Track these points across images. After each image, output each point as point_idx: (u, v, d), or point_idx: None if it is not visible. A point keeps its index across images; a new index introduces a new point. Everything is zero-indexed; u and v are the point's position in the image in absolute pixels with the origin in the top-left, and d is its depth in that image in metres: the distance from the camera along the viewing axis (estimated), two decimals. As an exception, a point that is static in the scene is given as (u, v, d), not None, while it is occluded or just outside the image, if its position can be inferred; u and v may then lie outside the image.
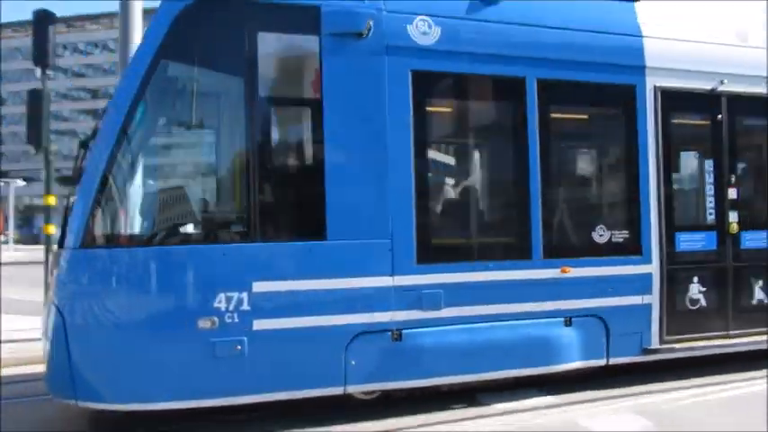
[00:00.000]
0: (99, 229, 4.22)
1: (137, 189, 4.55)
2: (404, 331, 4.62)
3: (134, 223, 4.55)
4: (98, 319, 4.20)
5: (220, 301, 4.19)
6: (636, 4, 5.69)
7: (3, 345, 7.02)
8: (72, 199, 4.45)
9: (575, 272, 5.08)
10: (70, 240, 4.20)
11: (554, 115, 5.20)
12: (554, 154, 5.19)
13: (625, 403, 5.01)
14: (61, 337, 4.15)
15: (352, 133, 4.53)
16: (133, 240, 4.34)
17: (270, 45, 4.41)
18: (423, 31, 4.78)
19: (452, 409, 4.92)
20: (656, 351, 5.42)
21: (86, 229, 4.16)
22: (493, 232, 5.26)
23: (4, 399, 5.38)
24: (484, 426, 4.58)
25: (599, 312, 5.18)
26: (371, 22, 4.58)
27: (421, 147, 4.73)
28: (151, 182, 4.76)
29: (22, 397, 5.56)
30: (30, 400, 5.44)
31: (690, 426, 4.48)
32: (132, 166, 4.43)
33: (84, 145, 4.56)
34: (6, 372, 6.30)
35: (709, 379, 5.50)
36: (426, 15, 4.79)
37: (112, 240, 4.28)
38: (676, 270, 5.49)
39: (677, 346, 5.47)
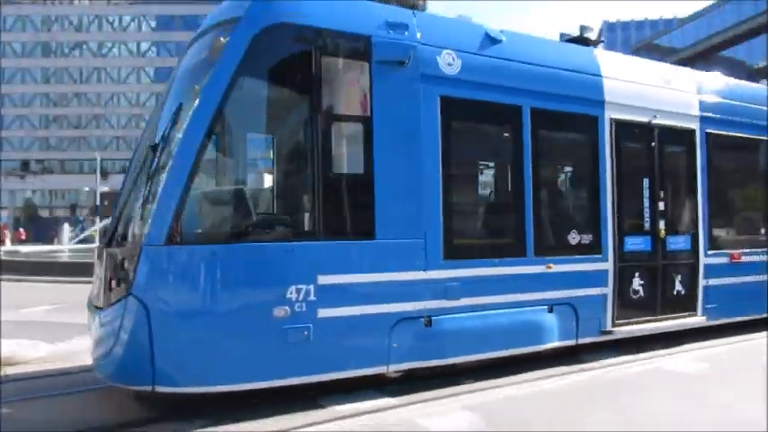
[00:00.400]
0: (183, 228, 4.56)
1: (217, 192, 5.06)
2: (433, 318, 5.47)
3: (215, 223, 5.00)
4: (183, 310, 4.59)
5: (291, 293, 4.80)
6: (594, 49, 7.25)
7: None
8: (135, 199, 5.00)
9: (555, 268, 6.28)
10: (154, 238, 4.52)
11: (542, 139, 6.33)
12: (541, 170, 6.37)
13: (464, 401, 5.05)
14: (144, 327, 4.46)
15: (395, 149, 5.31)
16: (215, 239, 4.76)
17: (329, 67, 5.09)
18: (448, 62, 5.73)
19: (292, 412, 4.83)
20: (609, 332, 6.74)
21: (172, 227, 4.51)
22: (498, 234, 6.32)
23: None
24: (323, 429, 4.46)
25: (571, 301, 6.41)
26: (411, 53, 5.41)
27: (446, 162, 5.62)
28: (230, 186, 5.16)
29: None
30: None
31: (516, 419, 4.66)
32: (213, 172, 4.99)
33: (154, 149, 4.90)
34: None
35: (554, 370, 6.08)
36: (451, 49, 5.73)
37: (196, 238, 4.67)
38: (624, 267, 6.86)
39: (624, 329, 6.85)
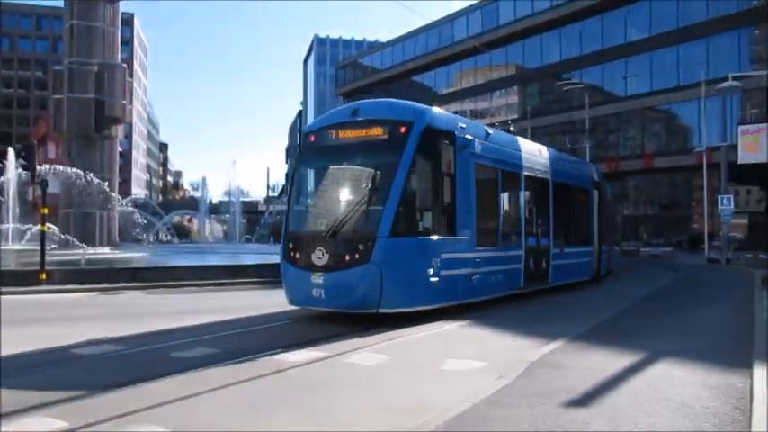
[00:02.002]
0: (395, 229, 9.80)
1: (408, 212, 10.20)
2: (473, 276, 11.55)
3: (407, 227, 10.15)
4: (396, 267, 9.87)
5: (434, 262, 10.37)
6: (517, 137, 15.10)
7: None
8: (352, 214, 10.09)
9: (508, 253, 13.18)
10: (383, 233, 9.73)
11: (505, 185, 13.38)
12: (524, 203, 14.19)
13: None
14: (377, 278, 9.66)
15: (461, 189, 11.20)
16: (408, 233, 10.08)
17: (442, 146, 10.89)
18: (477, 145, 11.88)
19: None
20: (523, 288, 13.64)
21: (392, 227, 9.77)
22: (494, 234, 12.80)
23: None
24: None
25: (512, 270, 13.31)
26: (467, 141, 11.50)
27: (478, 197, 11.81)
28: (412, 210, 10.34)
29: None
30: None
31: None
32: (405, 198, 10.05)
33: (368, 188, 10.09)
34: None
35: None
36: (477, 139, 12.02)
37: (404, 232, 9.98)
38: (527, 253, 13.86)
39: (530, 289, 13.99)
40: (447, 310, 10.64)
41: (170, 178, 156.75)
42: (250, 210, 66.91)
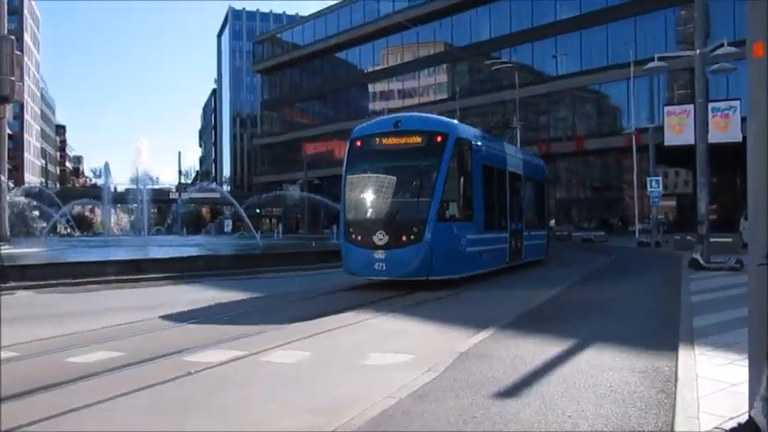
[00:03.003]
0: (441, 215, 13.89)
1: (445, 201, 14.21)
2: (482, 252, 15.97)
3: (447, 213, 14.28)
4: (441, 245, 13.80)
5: (464, 239, 14.76)
6: (503, 141, 22.15)
7: None
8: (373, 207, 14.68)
9: (498, 234, 17.40)
10: (432, 218, 13.75)
11: (499, 181, 17.87)
12: (508, 194, 18.43)
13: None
14: (428, 252, 13.60)
15: (475, 185, 15.44)
16: (447, 219, 14.26)
17: (468, 152, 15.00)
18: (484, 150, 16.27)
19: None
20: (508, 263, 18.03)
21: (437, 215, 13.81)
22: (497, 219, 17.35)
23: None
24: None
25: (501, 248, 17.65)
26: (479, 147, 15.80)
27: (483, 190, 15.98)
28: (448, 199, 14.26)
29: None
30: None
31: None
32: (444, 192, 14.02)
33: (415, 185, 14.53)
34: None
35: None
36: (485, 146, 16.54)
37: (444, 219, 14.09)
38: (512, 234, 18.46)
39: (512, 264, 18.38)
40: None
41: (69, 164, 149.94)
42: (160, 198, 64.96)
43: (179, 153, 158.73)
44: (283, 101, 78.18)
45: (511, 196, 18.61)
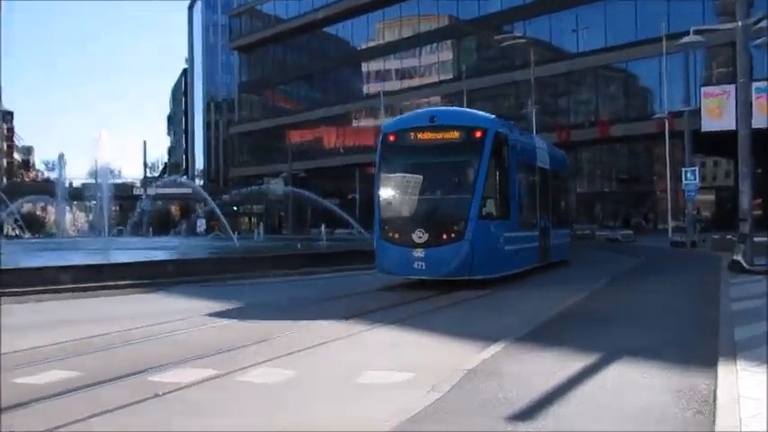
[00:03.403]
0: (481, 213, 15.23)
1: (486, 198, 15.54)
2: (518, 250, 17.35)
3: (487, 211, 15.57)
4: (482, 243, 15.19)
5: (502, 238, 16.18)
6: (532, 135, 25.95)
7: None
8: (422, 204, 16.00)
9: (530, 233, 18.88)
10: (474, 215, 15.07)
11: (531, 175, 19.59)
12: (542, 191, 20.32)
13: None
14: (469, 251, 14.99)
15: (512, 181, 16.86)
16: (488, 217, 15.55)
17: (505, 146, 16.41)
18: (518, 144, 17.63)
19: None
20: (537, 263, 19.15)
21: (479, 212, 15.18)
22: (529, 218, 18.98)
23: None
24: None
25: (534, 246, 19.09)
26: (515, 143, 17.32)
27: (519, 188, 17.68)
28: (488, 196, 15.65)
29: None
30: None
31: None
32: (485, 189, 15.43)
33: (454, 182, 15.91)
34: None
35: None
36: (519, 140, 18.20)
37: (484, 217, 15.38)
38: (541, 233, 19.72)
39: (541, 264, 19.55)
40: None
41: (17, 156, 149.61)
42: (123, 194, 64.89)
43: (144, 142, 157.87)
44: (264, 82, 78.15)
45: (540, 193, 20.15)
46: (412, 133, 16.29)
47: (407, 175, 16.45)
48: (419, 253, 15.04)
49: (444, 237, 15.12)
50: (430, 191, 16.03)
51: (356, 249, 23.73)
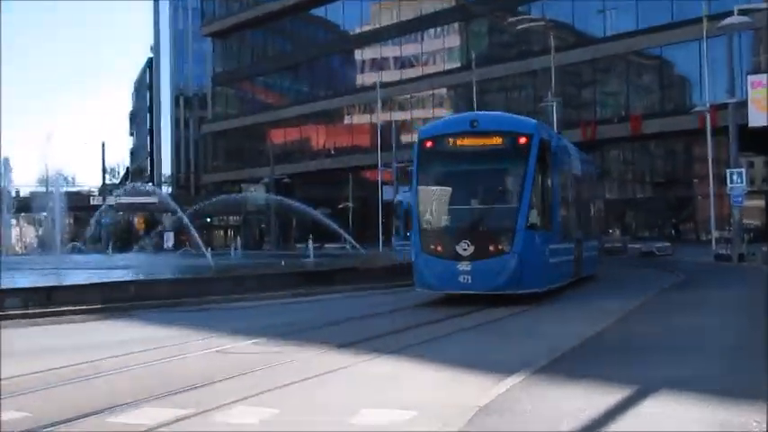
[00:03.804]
0: (528, 224, 16.50)
1: (533, 207, 16.93)
2: (562, 262, 19.61)
3: (534, 221, 16.88)
4: (530, 255, 16.55)
5: (548, 250, 17.59)
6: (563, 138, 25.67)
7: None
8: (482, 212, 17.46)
9: (571, 245, 20.99)
10: (521, 226, 16.42)
11: (573, 187, 22.09)
12: (577, 200, 22.78)
13: None
14: (518, 264, 16.32)
15: (555, 190, 18.43)
16: (535, 228, 16.85)
17: (549, 151, 17.91)
18: (558, 151, 19.29)
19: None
20: (572, 278, 20.86)
21: (526, 221, 16.48)
22: (567, 229, 20.60)
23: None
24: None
25: (570, 260, 20.87)
26: (556, 148, 19.01)
27: (561, 197, 19.47)
28: (535, 205, 17.05)
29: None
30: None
31: None
32: (532, 198, 16.83)
33: (499, 191, 17.56)
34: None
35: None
36: (557, 145, 19.60)
37: (531, 227, 16.70)
38: (575, 245, 21.58)
39: (575, 279, 21.46)
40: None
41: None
42: (78, 204, 64.93)
43: (102, 144, 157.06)
44: (242, 74, 78.38)
45: (575, 202, 22.04)
46: (451, 139, 17.53)
47: (449, 183, 17.80)
48: (465, 266, 16.25)
49: (491, 249, 16.49)
50: (473, 200, 17.44)
51: (348, 267, 23.70)
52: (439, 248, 16.80)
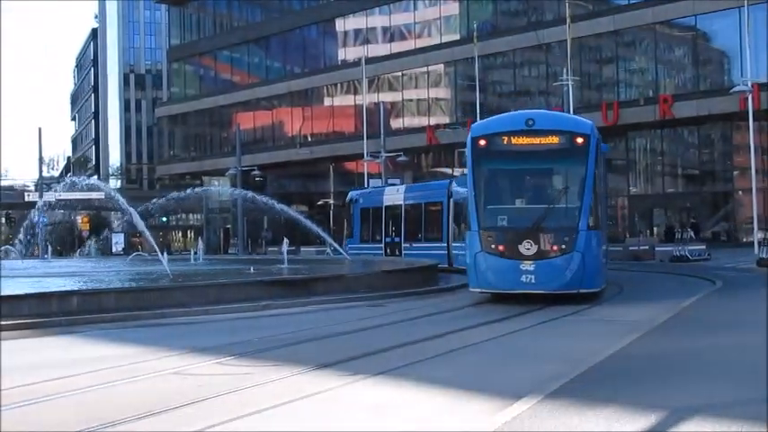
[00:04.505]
0: (588, 224, 19.56)
1: (592, 207, 19.85)
2: (605, 264, 23.05)
3: (593, 221, 19.92)
4: (591, 255, 19.75)
5: (602, 249, 21.39)
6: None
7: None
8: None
9: (606, 247, 24.41)
10: (584, 226, 19.48)
11: (604, 185, 24.75)
12: (604, 198, 24.70)
13: None
14: (581, 263, 19.38)
15: (604, 189, 24.44)
16: (594, 227, 19.99)
17: (601, 152, 21.27)
18: (602, 149, 22.11)
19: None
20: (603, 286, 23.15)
21: (587, 222, 19.56)
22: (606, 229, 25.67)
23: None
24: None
25: (604, 263, 22.67)
26: (602, 146, 22.07)
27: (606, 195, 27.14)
28: (594, 205, 20.03)
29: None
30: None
31: None
32: (592, 198, 19.79)
33: (561, 190, 20.44)
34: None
35: None
36: (600, 142, 21.80)
37: (591, 227, 19.84)
38: (590, 231, 20.46)
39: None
40: None
41: None
42: (11, 201, 64.78)
43: (39, 130, 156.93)
44: (203, 47, 78.24)
45: (604, 200, 24.77)
46: (506, 137, 20.05)
47: (505, 182, 20.96)
48: (528, 266, 18.99)
49: (554, 248, 19.30)
50: (534, 200, 20.47)
51: (328, 275, 23.70)
52: (500, 248, 19.35)
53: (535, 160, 20.13)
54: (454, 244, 31.97)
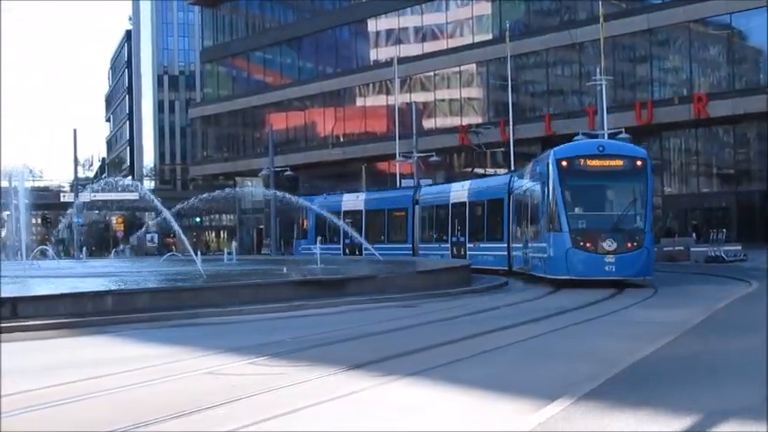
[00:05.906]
0: (645, 227, 26.40)
1: (640, 213, 26.88)
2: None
3: (651, 225, 27.76)
4: (651, 251, 27.92)
5: (654, 247, 31.05)
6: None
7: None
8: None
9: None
10: (648, 228, 26.69)
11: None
12: None
13: None
14: (648, 256, 26.69)
15: (652, 198, 30.48)
16: (651, 230, 27.63)
17: (652, 171, 28.79)
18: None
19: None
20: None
21: (650, 226, 27.21)
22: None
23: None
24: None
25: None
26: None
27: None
28: (650, 213, 28.31)
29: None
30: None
31: None
32: (651, 207, 27.81)
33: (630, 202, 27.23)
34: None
35: None
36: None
37: (651, 230, 27.47)
38: (651, 233, 28.49)
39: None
40: None
41: None
42: (46, 202, 65.30)
43: (74, 132, 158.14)
44: (235, 49, 78.52)
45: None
46: (582, 160, 26.90)
47: (588, 195, 26.93)
48: (610, 258, 25.23)
49: (629, 245, 25.47)
50: (609, 208, 27.14)
51: (361, 276, 23.71)
52: (588, 245, 25.56)
53: (605, 178, 27.07)
54: (515, 245, 33.82)
